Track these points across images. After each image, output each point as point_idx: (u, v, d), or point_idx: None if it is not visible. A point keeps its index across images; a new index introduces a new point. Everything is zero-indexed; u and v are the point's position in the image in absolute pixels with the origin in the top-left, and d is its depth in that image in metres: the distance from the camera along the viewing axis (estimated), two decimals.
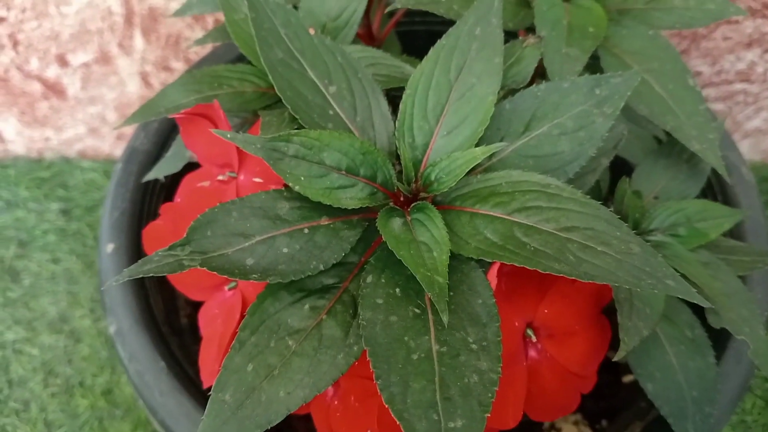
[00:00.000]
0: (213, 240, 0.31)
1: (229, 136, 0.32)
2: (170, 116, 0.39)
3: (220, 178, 0.40)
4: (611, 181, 0.46)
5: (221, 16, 0.73)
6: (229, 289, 0.37)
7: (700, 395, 0.39)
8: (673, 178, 0.45)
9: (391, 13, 0.53)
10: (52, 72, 0.78)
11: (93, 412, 0.67)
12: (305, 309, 0.31)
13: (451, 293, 0.30)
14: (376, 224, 0.32)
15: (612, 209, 0.32)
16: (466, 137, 0.35)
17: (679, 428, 0.39)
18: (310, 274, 0.31)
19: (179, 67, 0.79)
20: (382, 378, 0.27)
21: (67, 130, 0.84)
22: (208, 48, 0.74)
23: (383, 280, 0.31)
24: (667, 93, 0.42)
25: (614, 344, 0.39)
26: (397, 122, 0.36)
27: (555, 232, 0.31)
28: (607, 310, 0.38)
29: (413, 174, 0.35)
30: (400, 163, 0.36)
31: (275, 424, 0.28)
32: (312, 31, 0.38)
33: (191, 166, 0.45)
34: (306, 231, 0.32)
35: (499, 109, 0.36)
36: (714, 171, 0.48)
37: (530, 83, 0.39)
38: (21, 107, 0.81)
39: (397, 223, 0.33)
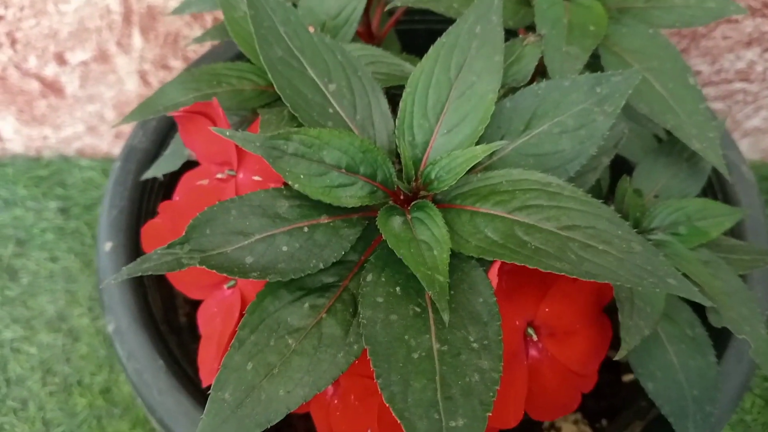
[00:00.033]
0: (212, 238, 0.31)
1: (228, 133, 0.31)
2: (169, 114, 0.39)
3: (219, 176, 0.39)
4: (611, 179, 0.46)
5: (220, 15, 0.73)
6: (228, 288, 0.37)
7: (701, 394, 0.39)
8: (674, 176, 0.45)
9: (391, 12, 0.53)
10: (51, 70, 0.78)
11: (91, 410, 0.67)
12: (305, 307, 0.31)
13: (452, 292, 0.30)
14: (376, 223, 0.32)
15: (612, 208, 0.32)
16: (466, 135, 0.35)
17: (680, 427, 0.39)
18: (309, 272, 0.31)
19: (178, 65, 0.79)
20: (382, 377, 0.27)
21: (66, 128, 0.84)
22: (206, 46, 0.74)
23: (383, 279, 0.31)
24: (667, 92, 0.42)
25: (614, 343, 0.39)
26: (397, 120, 0.36)
27: (556, 230, 0.31)
28: (607, 309, 0.38)
29: (413, 172, 0.35)
30: (399, 162, 0.36)
31: (275, 422, 0.28)
32: (311, 29, 0.38)
33: (190, 165, 0.45)
34: (306, 229, 0.32)
35: (500, 107, 0.36)
36: (714, 170, 0.48)
37: (530, 82, 0.38)
38: (19, 105, 0.81)
39: (397, 221, 0.32)
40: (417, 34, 0.58)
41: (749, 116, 0.84)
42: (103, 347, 0.71)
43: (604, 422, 0.51)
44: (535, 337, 0.35)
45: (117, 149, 0.87)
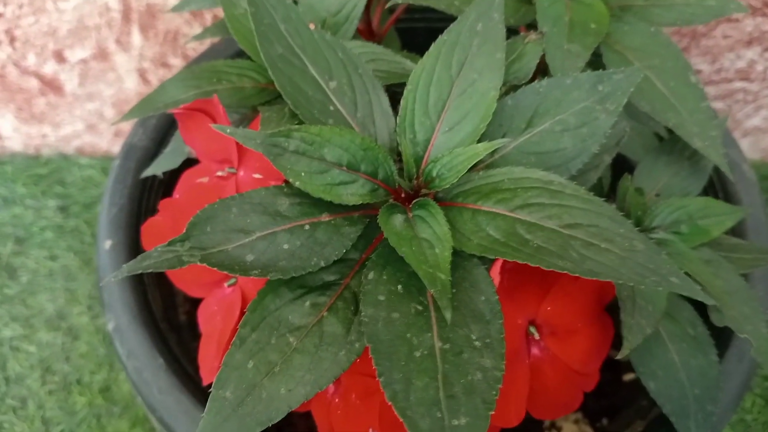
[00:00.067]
0: (213, 236, 0.30)
1: (228, 131, 0.31)
2: (169, 111, 0.39)
3: (220, 174, 0.39)
4: (612, 178, 0.46)
5: (220, 13, 0.73)
6: (229, 286, 0.37)
7: (703, 393, 0.39)
8: (675, 175, 0.45)
9: (391, 10, 0.53)
10: (50, 68, 0.78)
11: (91, 409, 0.67)
12: (306, 306, 0.31)
13: (454, 290, 0.30)
14: (378, 221, 0.32)
15: (614, 206, 0.31)
16: (467, 133, 0.35)
17: (682, 426, 0.38)
18: (311, 270, 0.31)
19: (177, 63, 0.79)
20: (384, 375, 0.27)
21: (65, 126, 0.84)
22: (206, 44, 0.74)
23: (385, 277, 0.31)
24: (668, 90, 0.42)
25: (614, 343, 0.38)
26: (398, 118, 0.36)
27: (558, 229, 0.30)
28: (608, 308, 0.38)
29: (414, 170, 0.35)
30: (401, 160, 0.36)
31: (276, 421, 0.27)
32: (312, 27, 0.38)
33: (190, 162, 0.45)
34: (307, 227, 0.32)
35: (501, 105, 0.36)
36: (715, 168, 0.48)
37: (532, 80, 0.38)
38: (18, 103, 0.81)
39: (398, 219, 0.32)
40: (417, 33, 0.57)
41: (749, 115, 0.84)
42: (103, 346, 0.71)
43: (604, 421, 0.51)
44: (536, 336, 0.35)
45: (116, 147, 0.87)
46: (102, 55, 0.77)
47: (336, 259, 0.32)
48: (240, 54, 0.47)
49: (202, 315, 0.39)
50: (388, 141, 0.36)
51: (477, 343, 0.28)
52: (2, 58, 0.76)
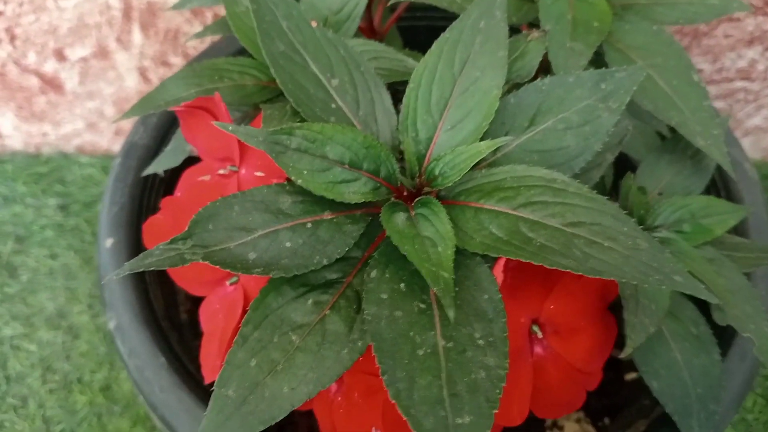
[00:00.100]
0: (215, 234, 0.30)
1: (231, 128, 0.31)
2: (171, 109, 0.39)
3: (221, 172, 0.39)
4: (614, 177, 0.46)
5: (220, 11, 0.73)
6: (231, 284, 0.37)
7: (705, 392, 0.39)
8: (677, 173, 0.45)
9: (393, 8, 0.53)
10: (50, 66, 0.77)
11: (91, 408, 0.67)
12: (308, 304, 0.31)
13: (457, 289, 0.30)
14: (380, 219, 0.32)
15: (617, 205, 0.31)
16: (470, 131, 0.34)
17: (684, 426, 0.38)
18: (313, 268, 0.31)
19: (178, 62, 0.78)
20: (388, 373, 0.27)
21: (65, 125, 0.84)
22: (206, 43, 0.74)
23: (387, 275, 0.31)
24: (671, 88, 0.42)
25: (617, 342, 0.38)
26: (400, 116, 0.36)
27: (561, 227, 0.30)
28: (611, 307, 0.38)
29: (417, 168, 0.35)
30: (403, 158, 0.36)
31: (279, 420, 0.27)
32: (314, 24, 0.38)
33: (191, 161, 0.44)
34: (309, 225, 0.32)
35: (504, 103, 0.36)
36: (717, 167, 0.47)
37: (534, 78, 0.38)
38: (18, 102, 0.81)
39: (400, 217, 0.32)
40: (418, 31, 0.57)
41: (750, 115, 0.84)
42: (103, 344, 0.71)
43: (606, 420, 0.51)
44: (539, 335, 0.34)
45: (117, 146, 0.87)
46: (102, 53, 0.76)
47: (338, 257, 0.32)
48: (241, 52, 0.47)
49: (204, 313, 0.39)
50: (390, 139, 0.36)
51: (480, 342, 0.28)
52: (2, 57, 0.76)
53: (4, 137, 0.85)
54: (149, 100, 0.41)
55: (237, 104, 0.41)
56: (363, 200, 0.33)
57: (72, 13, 0.72)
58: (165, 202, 0.41)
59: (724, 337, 0.42)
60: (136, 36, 0.75)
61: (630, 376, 0.52)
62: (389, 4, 0.44)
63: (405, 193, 0.35)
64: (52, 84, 0.79)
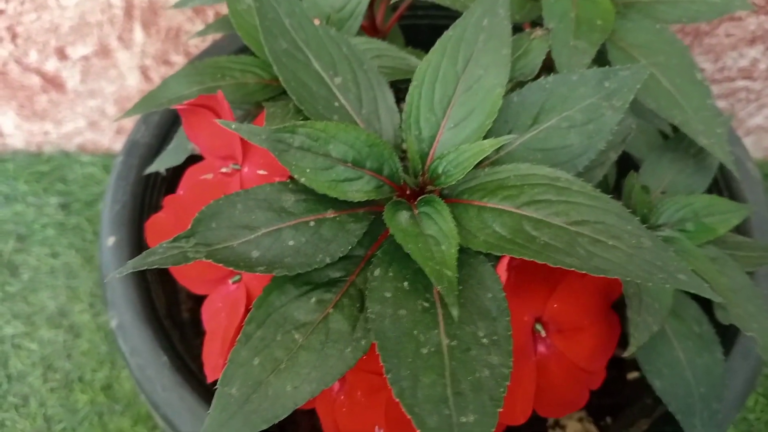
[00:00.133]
0: (218, 232, 0.30)
1: (233, 126, 0.31)
2: (173, 107, 0.39)
3: (224, 170, 0.39)
4: (616, 176, 0.46)
5: (222, 9, 0.73)
6: (233, 283, 0.37)
7: (708, 391, 0.39)
8: (680, 172, 0.45)
9: (395, 6, 0.53)
10: (51, 65, 0.77)
11: (92, 407, 0.67)
12: (312, 302, 0.31)
13: (460, 287, 0.30)
14: (383, 217, 0.32)
15: (621, 204, 0.31)
16: (473, 130, 0.34)
17: (687, 425, 0.38)
18: (316, 267, 0.31)
19: (179, 60, 0.78)
20: (392, 372, 0.27)
21: (67, 123, 0.84)
22: (207, 42, 0.74)
23: (391, 274, 0.31)
24: (674, 87, 0.42)
25: (619, 341, 0.38)
26: (403, 114, 0.36)
27: (565, 225, 0.30)
28: (614, 305, 0.38)
29: (420, 167, 0.35)
30: (406, 156, 0.35)
31: (282, 418, 0.27)
32: (317, 22, 0.37)
33: (193, 159, 0.44)
34: (312, 224, 0.32)
35: (507, 101, 0.36)
36: (720, 166, 0.47)
37: (537, 77, 0.38)
38: (20, 101, 0.81)
39: (404, 216, 0.32)
40: (420, 30, 0.57)
41: (752, 114, 0.84)
42: (105, 343, 0.71)
43: (608, 420, 0.51)
44: (543, 333, 0.34)
45: (118, 145, 0.87)
46: (104, 52, 0.76)
47: (341, 255, 0.32)
48: (242, 51, 0.47)
49: (206, 312, 0.39)
50: (393, 137, 0.36)
51: (484, 340, 0.28)
52: (4, 55, 0.76)
53: (6, 136, 0.85)
54: (151, 98, 0.41)
55: (239, 102, 0.41)
56: (366, 199, 0.33)
57: (73, 12, 0.72)
58: (167, 201, 0.41)
59: (727, 335, 0.42)
60: (138, 34, 0.75)
61: (632, 375, 0.52)
62: (391, 2, 0.44)
63: (408, 192, 0.34)
64: (53, 83, 0.79)
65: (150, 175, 0.53)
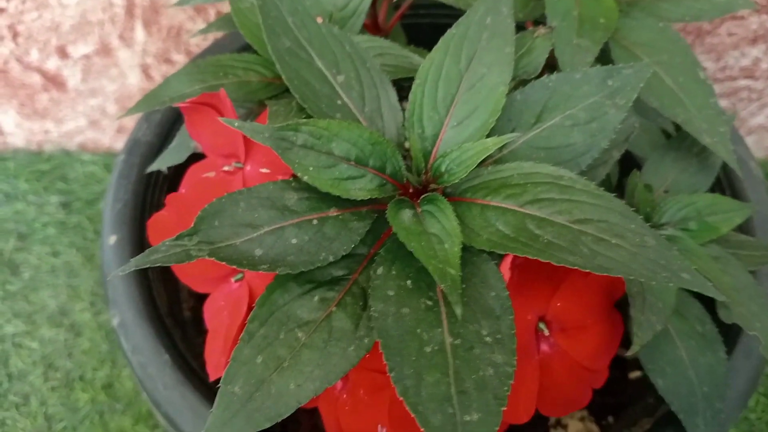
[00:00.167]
0: (221, 230, 0.30)
1: (237, 124, 0.31)
2: (176, 105, 0.39)
3: (226, 168, 0.39)
4: (618, 175, 0.46)
5: (223, 8, 0.73)
6: (236, 281, 0.37)
7: (711, 391, 0.39)
8: (683, 171, 0.45)
9: (397, 5, 0.53)
10: (53, 64, 0.77)
11: (93, 406, 0.67)
12: (315, 301, 0.30)
13: (464, 286, 0.30)
14: (386, 216, 0.32)
15: (624, 202, 0.31)
16: (476, 128, 0.34)
17: (690, 424, 0.38)
18: (319, 265, 0.31)
19: (180, 59, 0.78)
20: (395, 370, 0.27)
21: (67, 122, 0.84)
22: (209, 41, 0.74)
23: (394, 272, 0.31)
24: (677, 85, 0.42)
25: (621, 341, 0.38)
26: (406, 113, 0.36)
27: (568, 224, 0.30)
28: (616, 304, 0.38)
29: (423, 165, 0.35)
30: (409, 155, 0.35)
31: (285, 417, 0.27)
32: (320, 20, 0.37)
33: (195, 158, 0.44)
34: (315, 222, 0.32)
35: (510, 99, 0.35)
36: (722, 165, 0.47)
37: (540, 75, 0.38)
38: (21, 99, 0.81)
39: (407, 214, 0.32)
40: (421, 28, 0.57)
41: (754, 114, 0.84)
42: (105, 342, 0.71)
43: (610, 419, 0.51)
44: (546, 332, 0.34)
45: (119, 144, 0.87)
46: (105, 50, 0.76)
47: (344, 254, 0.32)
48: (244, 49, 0.47)
49: (209, 310, 0.39)
50: (396, 136, 0.36)
51: (488, 339, 0.28)
52: (5, 54, 0.76)
53: (7, 134, 0.85)
54: (153, 96, 0.41)
55: (241, 101, 0.41)
56: (369, 197, 0.32)
57: (75, 10, 0.72)
58: (170, 199, 0.40)
59: (729, 335, 0.42)
60: (139, 33, 0.75)
61: (634, 374, 0.52)
62: (393, 1, 0.44)
63: (411, 190, 0.34)
64: (54, 81, 0.79)
65: (151, 173, 0.53)
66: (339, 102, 0.35)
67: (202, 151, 0.42)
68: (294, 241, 0.31)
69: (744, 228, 0.49)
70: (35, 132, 0.85)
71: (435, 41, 0.37)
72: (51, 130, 0.84)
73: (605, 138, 0.34)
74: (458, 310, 0.27)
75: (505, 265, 0.31)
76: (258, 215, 0.31)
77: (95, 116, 0.83)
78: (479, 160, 0.32)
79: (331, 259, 0.31)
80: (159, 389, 0.42)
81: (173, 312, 0.50)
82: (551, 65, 0.40)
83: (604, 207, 0.31)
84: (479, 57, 0.36)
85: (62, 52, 0.76)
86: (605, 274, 0.28)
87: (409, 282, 0.30)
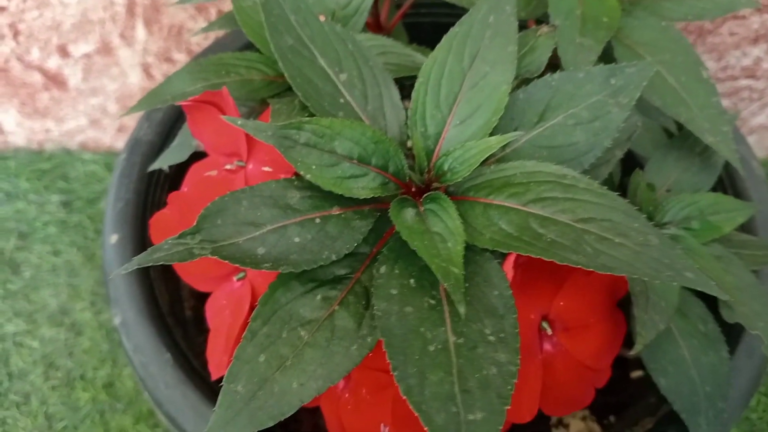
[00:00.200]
0: (223, 229, 0.30)
1: (239, 122, 0.31)
2: (178, 104, 0.39)
3: (228, 167, 0.39)
4: (621, 174, 0.46)
5: (224, 7, 0.73)
6: (238, 280, 0.37)
7: (713, 390, 0.39)
8: (686, 170, 0.44)
9: (399, 4, 0.53)
10: (53, 62, 0.77)
11: (94, 405, 0.67)
12: (317, 299, 0.30)
13: (467, 284, 0.30)
14: (389, 214, 0.32)
15: (627, 201, 0.31)
16: (479, 127, 0.34)
17: (692, 423, 0.38)
18: (322, 264, 0.31)
19: (181, 58, 0.78)
20: (398, 369, 0.27)
21: (68, 121, 0.84)
22: (210, 40, 0.74)
23: (397, 271, 0.30)
24: (679, 84, 0.42)
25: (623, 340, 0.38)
26: (409, 111, 0.35)
27: (571, 223, 0.30)
28: (618, 304, 0.38)
29: (426, 164, 0.34)
30: (411, 153, 0.35)
31: (288, 415, 0.27)
32: (322, 18, 0.37)
33: (197, 156, 0.44)
34: (317, 221, 0.32)
35: (513, 98, 0.35)
36: (724, 165, 0.47)
37: (542, 74, 0.38)
38: (21, 98, 0.81)
39: (409, 213, 0.32)
40: (423, 28, 0.57)
41: (755, 113, 0.84)
42: (106, 341, 0.71)
43: (612, 419, 0.51)
44: (549, 331, 0.34)
45: (120, 143, 0.87)
46: (106, 49, 0.76)
47: (347, 252, 0.32)
48: (245, 48, 0.47)
49: (210, 309, 0.39)
50: (399, 134, 0.36)
51: (491, 338, 0.28)
52: (6, 53, 0.76)
53: (7, 133, 0.85)
54: (155, 94, 0.41)
55: (244, 99, 0.41)
56: (371, 196, 0.32)
57: (75, 9, 0.72)
58: (172, 198, 0.40)
59: (732, 334, 0.42)
60: (140, 32, 0.75)
61: (636, 373, 0.52)
62: None
63: (413, 189, 0.34)
64: (55, 80, 0.79)
65: (153, 172, 0.53)
66: (342, 100, 0.35)
67: (203, 149, 0.42)
68: (297, 239, 0.31)
69: (746, 227, 0.49)
70: (36, 131, 0.84)
71: (436, 40, 0.37)
72: (52, 129, 0.84)
73: (608, 137, 0.34)
74: (461, 309, 0.27)
75: (508, 264, 0.31)
76: (260, 214, 0.31)
77: (96, 115, 0.83)
78: (482, 159, 0.32)
79: (333, 257, 0.31)
80: (160, 388, 0.42)
81: (175, 311, 0.50)
82: (554, 64, 0.40)
83: (608, 206, 0.31)
84: (482, 55, 0.35)
85: (63, 51, 0.76)
86: (608, 273, 0.28)
87: (412, 281, 0.30)
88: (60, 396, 0.67)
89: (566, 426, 0.50)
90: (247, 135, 0.36)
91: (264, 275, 0.35)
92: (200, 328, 0.52)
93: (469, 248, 0.30)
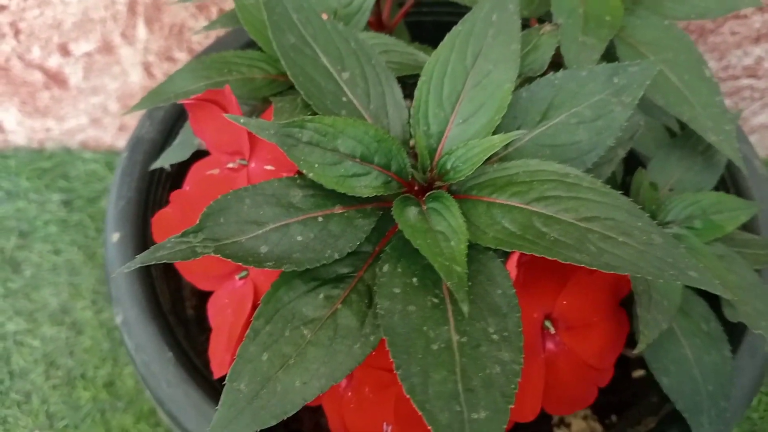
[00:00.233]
0: (226, 227, 0.30)
1: (242, 121, 0.31)
2: (180, 102, 0.39)
3: (230, 165, 0.39)
4: (623, 173, 0.46)
5: (225, 6, 0.73)
6: (240, 279, 0.37)
7: (716, 389, 0.39)
8: (688, 170, 0.44)
9: (401, 2, 0.53)
10: (54, 61, 0.77)
11: (95, 404, 0.67)
12: (320, 298, 0.30)
13: (470, 283, 0.30)
14: (392, 213, 0.31)
15: (630, 200, 0.31)
16: (482, 125, 0.34)
17: (695, 423, 0.38)
18: (324, 262, 0.31)
19: (182, 57, 0.78)
20: (402, 368, 0.27)
21: (69, 120, 0.84)
22: (211, 40, 0.74)
23: (400, 270, 0.30)
24: (682, 83, 0.42)
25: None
26: (411, 110, 0.35)
27: (575, 222, 0.30)
28: (620, 303, 0.38)
29: (428, 162, 0.34)
30: (414, 152, 0.35)
31: (291, 414, 0.27)
32: (325, 17, 0.37)
33: (198, 155, 0.44)
34: (320, 219, 0.32)
35: (516, 97, 0.35)
36: (727, 164, 0.47)
37: (545, 73, 0.38)
38: (22, 97, 0.81)
39: (412, 212, 0.32)
40: (424, 26, 0.57)
41: (756, 113, 0.84)
42: (107, 340, 0.71)
43: (614, 418, 0.50)
44: (552, 330, 0.34)
45: (121, 142, 0.86)
46: (107, 48, 0.76)
47: (349, 251, 0.31)
48: (247, 46, 0.47)
49: (213, 308, 0.39)
50: (401, 133, 0.36)
51: (494, 337, 0.28)
52: (7, 51, 0.76)
53: (8, 132, 0.85)
54: (157, 93, 0.41)
55: (246, 98, 0.41)
56: (374, 194, 0.32)
57: (76, 8, 0.72)
58: (174, 196, 0.40)
59: (734, 333, 0.42)
60: (141, 31, 0.75)
61: (637, 373, 0.52)
62: None
63: (416, 188, 0.34)
64: (56, 79, 0.79)
65: (155, 171, 0.53)
66: (344, 99, 0.35)
67: (205, 148, 0.42)
68: (299, 238, 0.31)
69: (749, 226, 0.49)
70: (37, 130, 0.84)
71: (438, 39, 0.36)
72: (52, 128, 0.84)
73: (611, 136, 0.34)
74: (465, 308, 0.27)
75: (512, 263, 0.31)
76: (263, 212, 0.31)
77: (97, 114, 0.83)
78: (485, 158, 0.32)
79: (336, 256, 0.31)
80: (162, 387, 0.42)
81: (176, 310, 0.50)
82: (557, 63, 0.40)
83: (611, 205, 0.30)
84: (485, 54, 0.35)
85: (64, 50, 0.76)
86: (611, 272, 0.28)
87: (415, 279, 0.30)
88: (61, 395, 0.67)
89: (568, 425, 0.50)
90: (249, 133, 0.36)
91: (266, 274, 0.35)
92: (202, 327, 0.52)
93: (472, 247, 0.30)
